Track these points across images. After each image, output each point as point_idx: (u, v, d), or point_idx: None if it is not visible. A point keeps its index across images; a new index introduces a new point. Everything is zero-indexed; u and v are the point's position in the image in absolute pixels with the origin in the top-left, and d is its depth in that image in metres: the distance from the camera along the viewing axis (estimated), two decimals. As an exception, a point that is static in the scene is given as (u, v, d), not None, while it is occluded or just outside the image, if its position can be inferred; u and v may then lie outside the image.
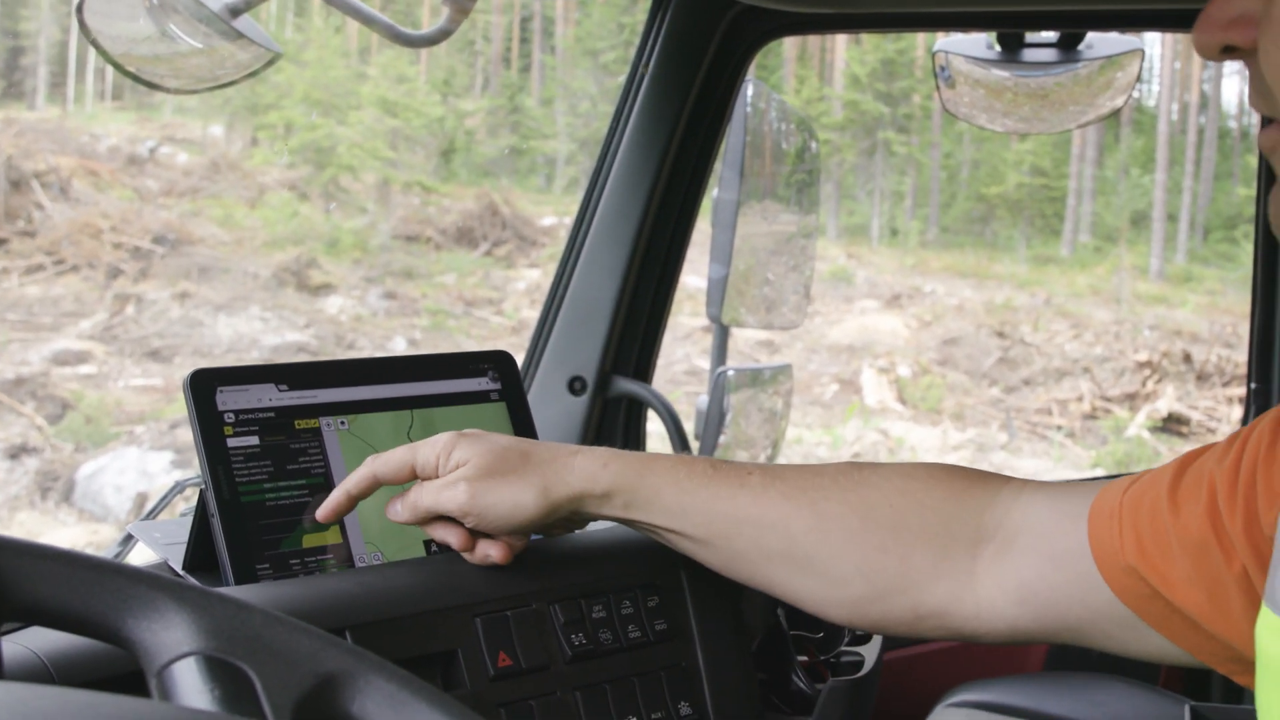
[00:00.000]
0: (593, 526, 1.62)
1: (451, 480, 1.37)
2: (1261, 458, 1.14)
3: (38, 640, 1.11)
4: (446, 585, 1.37)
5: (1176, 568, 1.18)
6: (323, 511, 1.41)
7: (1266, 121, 1.01)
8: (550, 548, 1.51)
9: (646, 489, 1.39)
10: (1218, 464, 1.19)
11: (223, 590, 1.09)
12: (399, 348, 16.41)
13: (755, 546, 1.39)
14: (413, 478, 1.41)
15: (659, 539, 1.45)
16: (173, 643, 0.82)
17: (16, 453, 12.20)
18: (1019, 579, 1.31)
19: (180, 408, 12.78)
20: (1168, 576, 1.19)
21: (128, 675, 1.00)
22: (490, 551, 1.41)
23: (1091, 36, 2.34)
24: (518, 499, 1.36)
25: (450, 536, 1.40)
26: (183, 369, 14.26)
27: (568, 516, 1.42)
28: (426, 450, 1.39)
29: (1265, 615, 0.99)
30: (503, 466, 1.37)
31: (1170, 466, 1.24)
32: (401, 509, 1.41)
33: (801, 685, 1.68)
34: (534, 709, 1.36)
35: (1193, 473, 1.21)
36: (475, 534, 1.41)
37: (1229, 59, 1.01)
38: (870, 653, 1.76)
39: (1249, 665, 1.06)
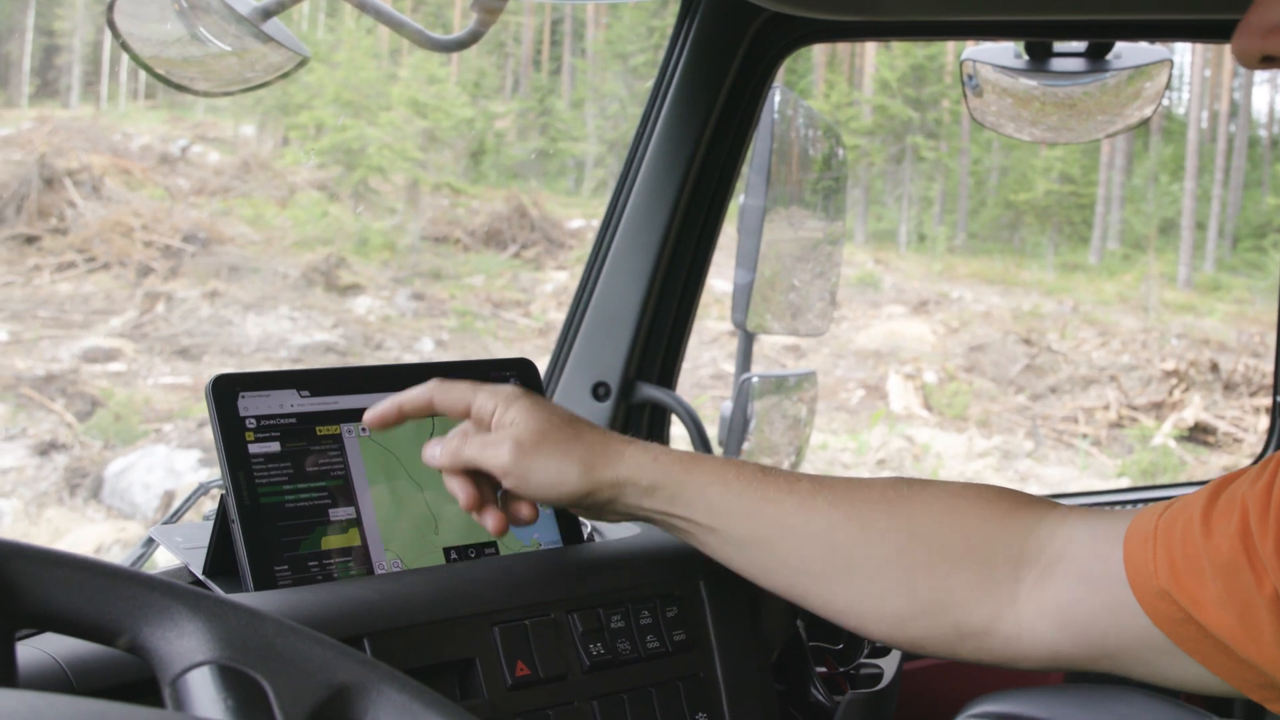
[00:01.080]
0: (612, 535, 1.62)
1: (499, 439, 1.37)
2: None
3: (56, 645, 1.11)
4: (465, 594, 1.37)
5: (1208, 590, 1.18)
6: (371, 415, 1.42)
7: None
8: (569, 557, 1.51)
9: (692, 485, 1.39)
10: (1250, 486, 1.18)
11: (237, 598, 1.10)
12: (426, 349, 16.44)
13: (797, 554, 1.38)
14: (465, 416, 1.42)
15: (696, 541, 1.43)
16: (187, 651, 0.83)
17: (46, 449, 12.26)
18: (1059, 603, 1.30)
19: (208, 406, 12.81)
20: (1199, 599, 1.18)
21: (144, 682, 1.00)
22: (522, 511, 1.43)
23: (1120, 46, 2.33)
24: (562, 470, 1.37)
25: (461, 491, 1.41)
26: (211, 368, 14.34)
27: (606, 502, 1.41)
28: (486, 396, 1.40)
29: None
30: (554, 435, 1.37)
31: (1204, 490, 1.24)
32: (440, 453, 1.41)
33: (820, 697, 1.68)
34: (551, 718, 1.35)
35: (1226, 496, 1.20)
36: (504, 499, 1.44)
37: (1269, 68, 1.00)
38: (889, 665, 1.76)
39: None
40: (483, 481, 1.42)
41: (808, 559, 1.37)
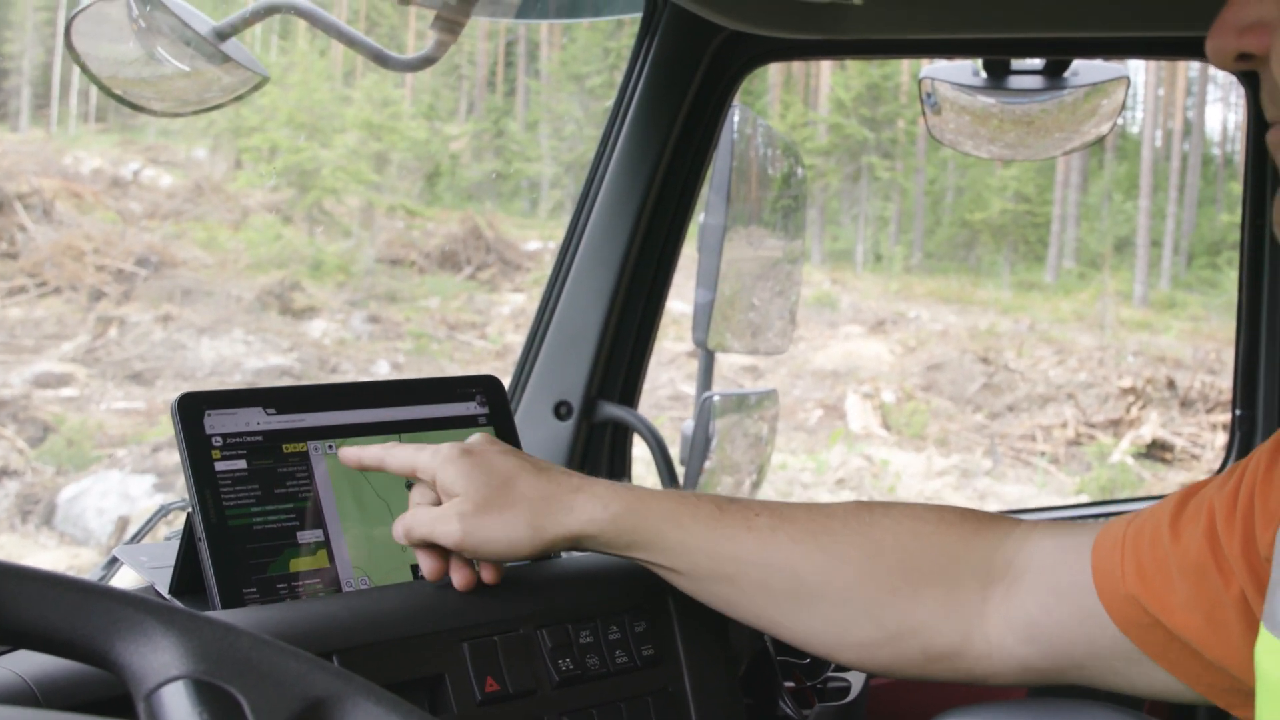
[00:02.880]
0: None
1: (444, 514, 1.36)
2: (1259, 480, 1.14)
3: (24, 664, 1.10)
4: (434, 610, 1.37)
5: (1175, 593, 1.19)
6: (345, 455, 1.44)
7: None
8: (538, 572, 1.51)
9: (648, 530, 1.38)
10: (1218, 490, 1.19)
11: (210, 614, 1.09)
12: (382, 372, 16.39)
13: (761, 588, 1.37)
14: (413, 476, 1.42)
15: (665, 578, 1.44)
16: (160, 666, 0.82)
17: (-3, 475, 12.16)
18: (1027, 617, 1.30)
19: (162, 431, 12.74)
20: (1166, 602, 1.19)
21: (115, 699, 1.00)
22: (484, 574, 1.41)
23: (1077, 64, 2.35)
24: (510, 535, 1.35)
25: (427, 564, 1.40)
26: (165, 392, 14.24)
27: (570, 550, 1.42)
28: (427, 459, 1.39)
29: (1265, 638, 0.99)
30: (496, 500, 1.36)
31: (1173, 497, 1.25)
32: (401, 534, 1.40)
33: (788, 711, 1.68)
34: (521, 734, 1.35)
35: (1194, 503, 1.22)
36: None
37: (1243, 67, 1.01)
38: (857, 679, 1.76)
39: (1247, 696, 1.06)
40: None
41: (773, 591, 1.37)
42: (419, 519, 1.38)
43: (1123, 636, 1.24)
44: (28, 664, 1.10)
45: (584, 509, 1.37)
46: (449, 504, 1.36)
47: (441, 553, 1.40)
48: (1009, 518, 1.39)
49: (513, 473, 1.38)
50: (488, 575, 1.41)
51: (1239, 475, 1.18)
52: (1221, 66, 1.02)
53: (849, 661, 1.40)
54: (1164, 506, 1.25)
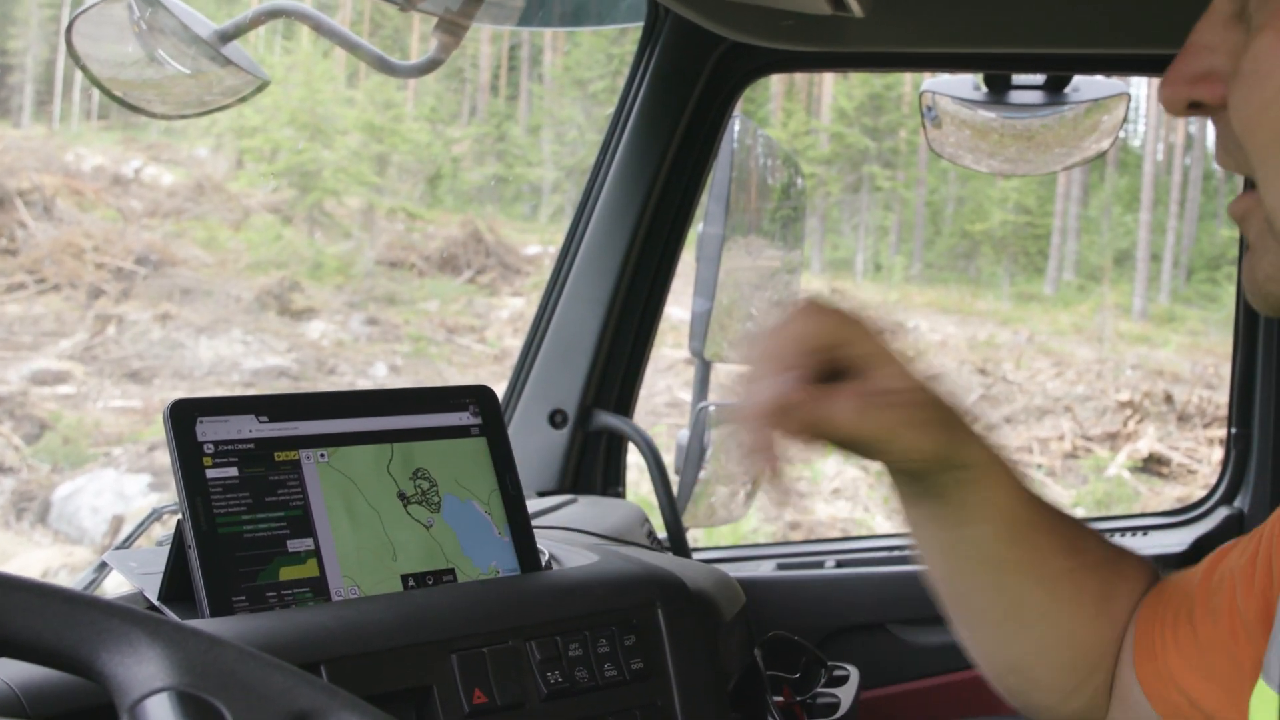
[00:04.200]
0: (571, 563, 1.61)
1: (919, 419, 1.17)
2: (1277, 542, 1.13)
3: (10, 671, 1.10)
4: (423, 620, 1.36)
5: (1197, 671, 1.17)
6: (745, 406, 1.11)
7: (1247, 185, 1.00)
8: (527, 585, 1.51)
9: (996, 474, 1.24)
10: (1239, 557, 1.17)
11: (197, 624, 1.09)
12: (380, 374, 16.38)
13: (1037, 571, 1.27)
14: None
15: (955, 529, 1.27)
16: (146, 678, 0.82)
17: (-8, 472, 12.16)
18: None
19: (158, 430, 12.68)
20: (1191, 679, 1.18)
21: (100, 708, 0.99)
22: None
23: (1078, 79, 2.35)
24: (934, 446, 1.18)
25: (768, 461, 1.10)
26: (162, 391, 14.24)
27: (937, 476, 1.23)
28: (865, 336, 1.18)
29: (1261, 690, 0.99)
30: (935, 405, 1.20)
31: (1202, 566, 1.23)
32: (845, 415, 1.15)
33: (778, 726, 1.68)
34: (508, 747, 1.35)
35: (1219, 569, 1.20)
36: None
37: (1196, 114, 1.01)
38: (846, 694, 1.76)
39: None
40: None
41: (1045, 572, 1.27)
42: (873, 410, 1.15)
43: (1152, 710, 1.22)
44: (13, 673, 1.10)
45: (968, 427, 1.23)
46: (912, 405, 1.17)
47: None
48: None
49: (931, 380, 1.22)
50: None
51: (1256, 541, 1.16)
52: (1174, 114, 1.02)
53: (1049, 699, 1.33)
54: (1198, 574, 1.23)
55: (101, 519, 11.09)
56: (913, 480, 1.25)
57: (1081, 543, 1.29)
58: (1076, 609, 1.28)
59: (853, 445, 1.17)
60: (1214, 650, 1.17)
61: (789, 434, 1.12)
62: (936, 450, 1.18)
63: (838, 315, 1.17)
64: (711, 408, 2.46)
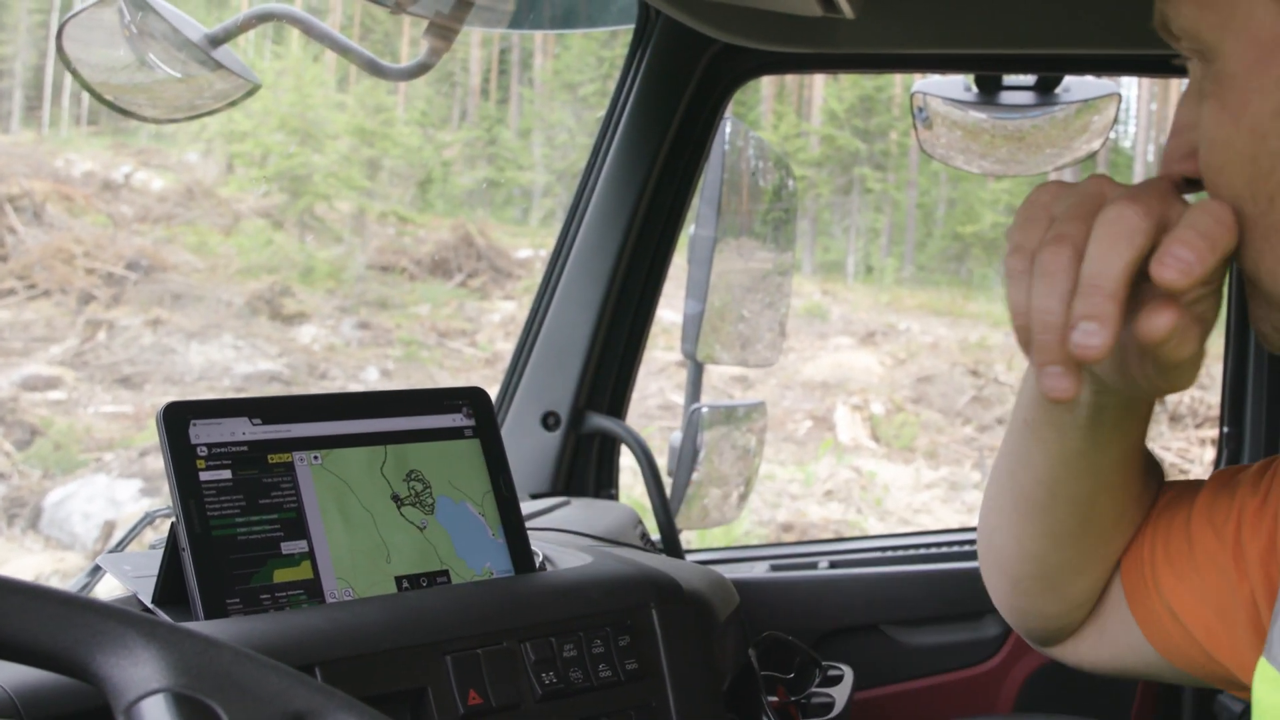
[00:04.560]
0: (565, 565, 1.61)
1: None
2: None
3: (5, 674, 1.10)
4: (417, 622, 1.36)
5: (1189, 583, 1.18)
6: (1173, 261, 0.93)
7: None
8: (521, 586, 1.51)
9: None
10: (1250, 488, 1.18)
11: (192, 626, 1.09)
12: (372, 378, 16.37)
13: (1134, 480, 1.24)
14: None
15: (1115, 446, 1.18)
16: (141, 679, 0.82)
17: (-17, 479, 12.14)
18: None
19: (150, 435, 12.71)
20: (1179, 591, 1.19)
21: (96, 710, 0.99)
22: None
23: (1069, 80, 2.35)
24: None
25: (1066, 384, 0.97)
26: (153, 396, 14.21)
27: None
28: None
29: (1263, 666, 0.99)
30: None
31: (1209, 483, 1.23)
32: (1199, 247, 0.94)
33: (772, 726, 1.68)
34: (504, 748, 1.35)
35: (1225, 494, 1.20)
36: None
37: (1192, 191, 1.03)
38: (841, 694, 1.76)
39: (1241, 688, 1.06)
40: None
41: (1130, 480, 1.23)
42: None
43: (1129, 613, 1.23)
44: (8, 675, 1.10)
45: None
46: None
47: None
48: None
49: None
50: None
51: (1269, 478, 1.17)
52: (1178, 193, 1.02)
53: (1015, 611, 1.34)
54: (1197, 490, 1.23)
55: (93, 524, 11.07)
56: (1108, 405, 1.15)
57: (1150, 464, 1.28)
58: (1127, 529, 1.26)
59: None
60: (1210, 570, 1.18)
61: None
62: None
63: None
64: (704, 409, 2.46)
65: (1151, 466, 1.28)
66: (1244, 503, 1.18)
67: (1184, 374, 1.03)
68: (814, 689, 1.78)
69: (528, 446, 2.39)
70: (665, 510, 2.38)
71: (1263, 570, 1.13)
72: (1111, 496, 1.21)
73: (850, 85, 28.90)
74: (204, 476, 1.40)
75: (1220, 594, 1.16)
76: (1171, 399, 17.06)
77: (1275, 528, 1.14)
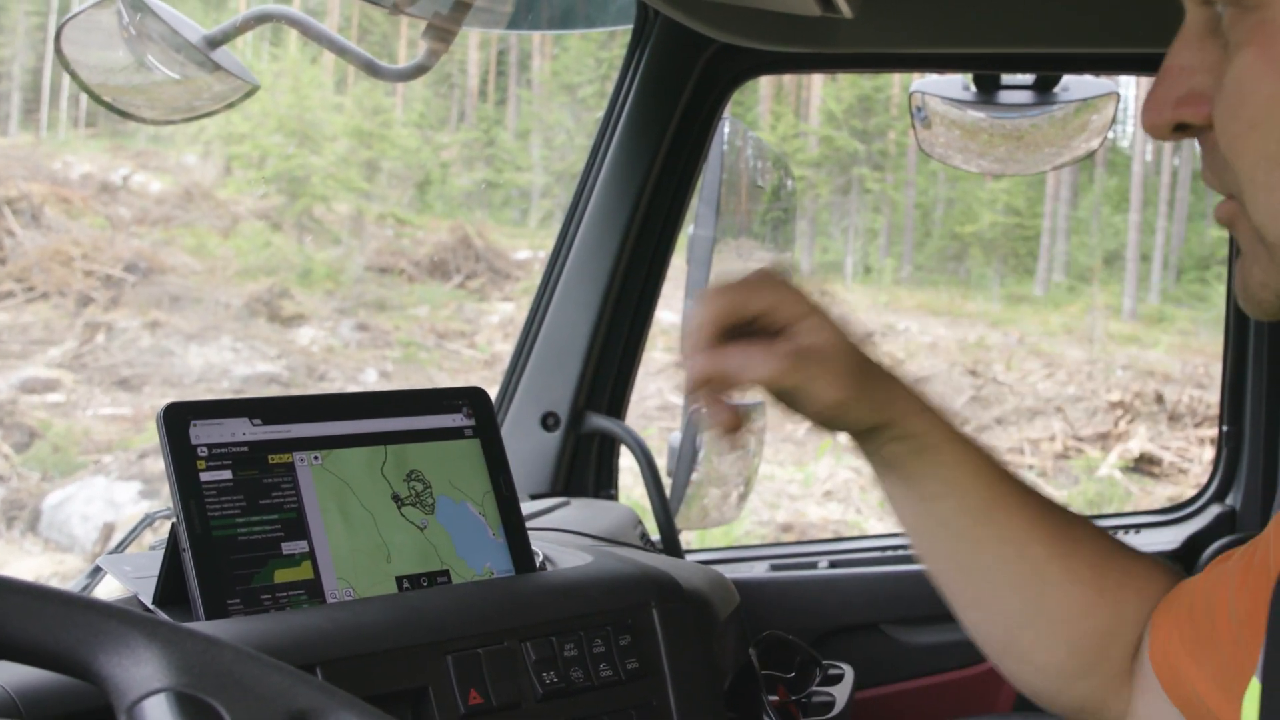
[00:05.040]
0: (565, 564, 1.61)
1: (833, 370, 1.24)
2: (1274, 539, 1.14)
3: (7, 674, 1.10)
4: (418, 622, 1.36)
5: (1204, 665, 1.18)
6: (691, 342, 1.24)
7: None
8: (522, 586, 1.51)
9: (953, 449, 1.30)
10: (1238, 562, 1.19)
11: (194, 626, 1.09)
12: (370, 380, 16.36)
13: (1014, 550, 1.30)
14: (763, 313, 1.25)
15: (919, 503, 1.33)
16: (143, 679, 0.82)
17: (-18, 481, 12.13)
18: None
19: (149, 437, 12.71)
20: (1198, 678, 1.19)
21: (97, 710, 0.99)
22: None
23: (1067, 79, 2.35)
24: (843, 395, 1.24)
25: (724, 415, 1.24)
26: (152, 399, 14.20)
27: (865, 431, 1.30)
28: (792, 305, 1.25)
29: (1254, 687, 0.99)
30: (854, 359, 1.26)
31: (1207, 566, 1.24)
32: (764, 368, 1.22)
33: (773, 725, 1.68)
34: (505, 747, 1.35)
35: (1218, 572, 1.21)
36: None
37: (1181, 138, 1.01)
38: (841, 693, 1.76)
39: None
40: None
41: (1010, 573, 1.31)
42: (750, 353, 1.22)
43: (1170, 704, 1.23)
44: (9, 675, 1.10)
45: (911, 397, 1.30)
46: (831, 357, 1.24)
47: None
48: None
49: (857, 342, 1.29)
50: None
51: (1264, 546, 1.16)
52: (1159, 138, 1.02)
53: (1020, 678, 1.36)
54: (1200, 575, 1.24)
55: (92, 527, 11.06)
56: (866, 450, 1.33)
57: (1071, 531, 1.32)
58: (1066, 595, 1.30)
59: (779, 396, 1.25)
60: (1210, 646, 1.18)
61: (725, 388, 1.24)
62: (843, 400, 1.24)
63: (769, 284, 1.26)
64: (703, 410, 2.45)
65: (1059, 530, 1.31)
66: (1230, 573, 1.18)
67: (803, 404, 1.25)
68: (814, 688, 1.78)
69: (527, 447, 2.39)
70: (665, 510, 2.38)
71: (1252, 630, 1.11)
72: (998, 555, 1.30)
73: (848, 85, 28.91)
74: (204, 477, 1.40)
75: (1223, 672, 1.16)
76: (1171, 397, 17.07)
77: (1265, 587, 1.12)
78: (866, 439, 1.32)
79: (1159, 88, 1.00)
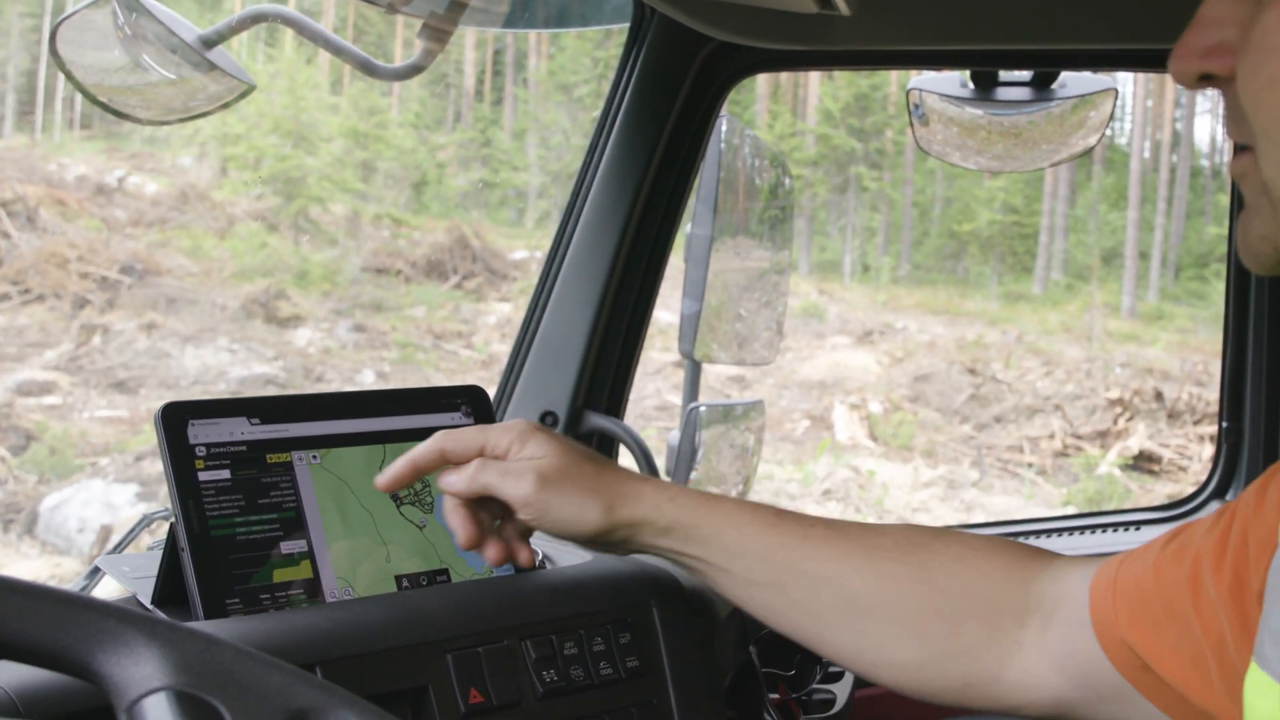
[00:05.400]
0: (565, 562, 1.61)
1: (521, 469, 1.37)
2: (1251, 516, 1.14)
3: (6, 674, 1.09)
4: (418, 621, 1.36)
5: (1163, 638, 1.19)
6: (384, 478, 1.41)
7: (1239, 150, 1.01)
8: (522, 584, 1.50)
9: (708, 527, 1.39)
10: (1205, 535, 1.20)
11: (193, 625, 1.08)
12: (367, 381, 16.36)
13: (809, 599, 1.38)
14: (479, 456, 1.41)
15: (710, 580, 1.44)
16: (143, 678, 0.81)
17: (-21, 484, 12.12)
18: (1059, 649, 1.32)
19: (146, 439, 12.70)
20: (1155, 647, 1.20)
21: (97, 710, 0.99)
22: (522, 555, 1.44)
23: (1065, 75, 2.35)
24: (583, 507, 1.37)
25: (461, 527, 1.40)
26: (149, 401, 14.20)
27: (621, 540, 1.42)
28: (499, 434, 1.40)
29: (1254, 673, 0.99)
30: (576, 471, 1.38)
31: (1161, 538, 1.26)
32: (458, 480, 1.39)
33: (774, 723, 1.67)
34: (505, 746, 1.35)
35: (1177, 544, 1.22)
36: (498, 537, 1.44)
37: (1206, 87, 1.02)
38: (842, 691, 1.76)
39: None
40: (481, 514, 1.43)
41: (821, 603, 1.38)
42: (490, 467, 1.38)
43: (1122, 678, 1.24)
44: (9, 675, 1.09)
45: (653, 498, 1.40)
46: (526, 460, 1.37)
47: (478, 522, 1.41)
48: (1047, 551, 1.40)
49: (588, 454, 1.41)
50: (524, 557, 1.43)
51: (1228, 517, 1.18)
52: (1185, 86, 1.03)
53: (886, 681, 1.41)
54: (1152, 547, 1.26)
55: (89, 529, 11.06)
56: (659, 555, 1.46)
57: (881, 540, 1.40)
58: (901, 601, 1.37)
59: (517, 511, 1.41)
60: (1175, 621, 1.19)
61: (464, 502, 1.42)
62: (536, 499, 1.37)
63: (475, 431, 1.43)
64: (702, 409, 2.45)
65: (864, 563, 1.39)
66: (1201, 547, 1.19)
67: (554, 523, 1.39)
68: (815, 685, 1.78)
69: (526, 446, 2.38)
70: (664, 509, 2.37)
71: (1235, 606, 1.13)
72: (811, 591, 1.38)
73: (845, 84, 28.93)
74: (203, 477, 1.39)
75: (1189, 646, 1.17)
76: (1170, 395, 17.08)
77: (1242, 558, 1.14)
78: (639, 545, 1.42)
79: (1189, 36, 1.01)
